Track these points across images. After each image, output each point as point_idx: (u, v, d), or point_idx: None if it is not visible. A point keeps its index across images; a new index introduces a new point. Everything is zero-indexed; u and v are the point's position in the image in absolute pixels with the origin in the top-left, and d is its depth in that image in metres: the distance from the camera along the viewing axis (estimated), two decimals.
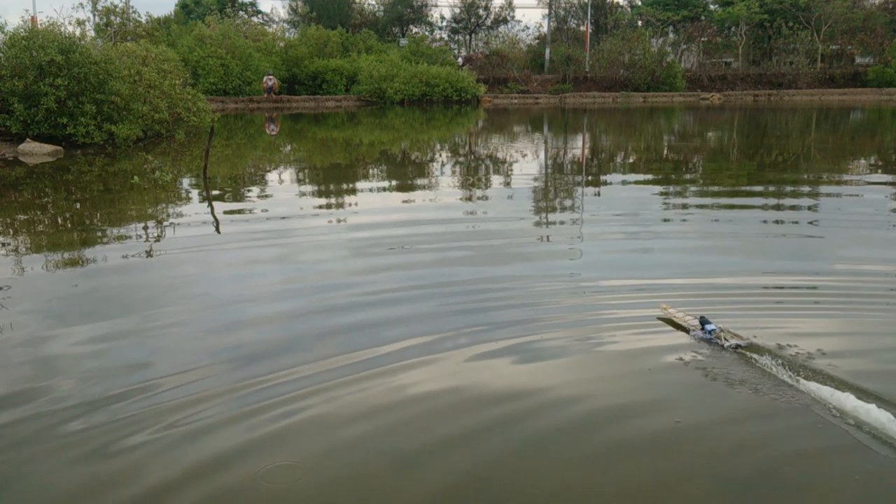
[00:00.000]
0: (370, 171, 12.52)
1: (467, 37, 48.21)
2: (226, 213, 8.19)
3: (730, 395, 3.26)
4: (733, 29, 45.59)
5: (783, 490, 2.58)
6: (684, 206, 8.48)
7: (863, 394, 3.19)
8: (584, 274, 5.36)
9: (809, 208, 8.16)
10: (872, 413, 3.05)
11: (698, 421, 3.05)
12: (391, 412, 3.13)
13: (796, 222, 7.36)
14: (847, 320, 4.30)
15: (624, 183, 10.72)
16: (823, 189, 9.83)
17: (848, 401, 3.16)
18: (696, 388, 3.37)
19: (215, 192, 9.60)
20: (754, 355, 3.67)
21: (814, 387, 3.33)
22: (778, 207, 8.30)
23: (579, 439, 2.93)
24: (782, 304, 4.67)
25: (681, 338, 3.95)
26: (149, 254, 6.19)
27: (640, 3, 49.55)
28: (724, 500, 2.55)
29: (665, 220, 7.54)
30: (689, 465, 2.74)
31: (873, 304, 4.59)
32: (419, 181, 10.99)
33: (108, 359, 3.71)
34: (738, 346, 3.76)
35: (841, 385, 3.31)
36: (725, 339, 3.83)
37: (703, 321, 3.96)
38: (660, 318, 4.30)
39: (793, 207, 8.23)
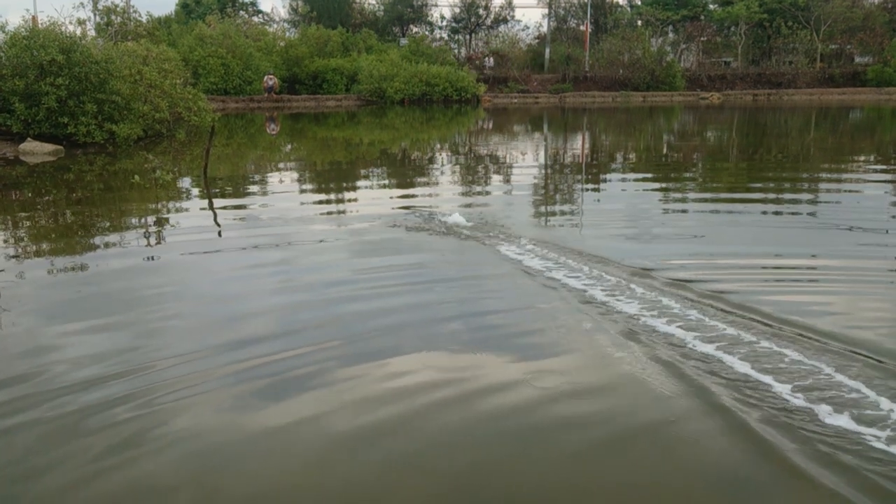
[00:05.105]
0: (370, 170, 12.55)
1: (467, 36, 48.25)
2: (226, 212, 8.21)
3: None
4: (733, 28, 45.68)
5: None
6: (683, 203, 8.51)
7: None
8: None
9: (808, 203, 8.20)
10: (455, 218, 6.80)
11: None
12: (387, 412, 3.15)
13: (796, 211, 7.40)
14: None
15: (624, 180, 10.74)
16: (823, 184, 9.86)
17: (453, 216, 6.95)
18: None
19: (215, 192, 9.63)
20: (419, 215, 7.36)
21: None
22: (777, 203, 8.34)
23: (576, 437, 2.96)
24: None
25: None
26: (148, 253, 6.21)
27: (639, 3, 49.60)
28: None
29: (665, 214, 7.57)
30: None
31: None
32: (419, 180, 11.01)
33: (107, 360, 3.73)
34: (433, 216, 7.30)
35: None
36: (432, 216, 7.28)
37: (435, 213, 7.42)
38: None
39: (793, 204, 8.26)
